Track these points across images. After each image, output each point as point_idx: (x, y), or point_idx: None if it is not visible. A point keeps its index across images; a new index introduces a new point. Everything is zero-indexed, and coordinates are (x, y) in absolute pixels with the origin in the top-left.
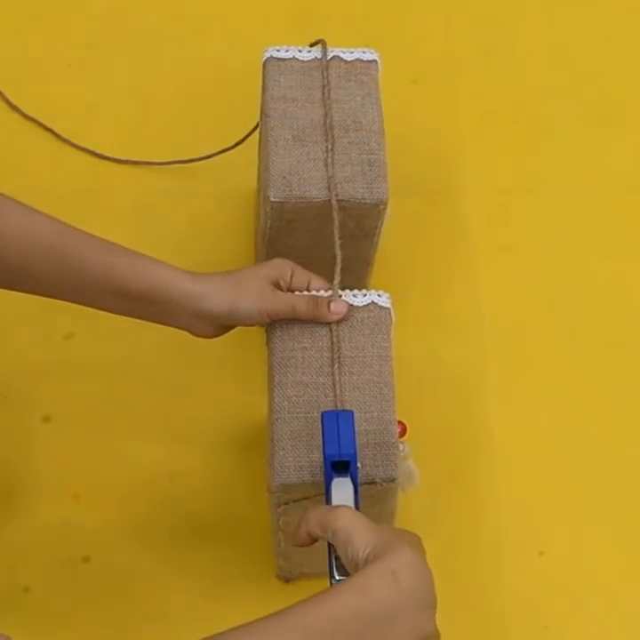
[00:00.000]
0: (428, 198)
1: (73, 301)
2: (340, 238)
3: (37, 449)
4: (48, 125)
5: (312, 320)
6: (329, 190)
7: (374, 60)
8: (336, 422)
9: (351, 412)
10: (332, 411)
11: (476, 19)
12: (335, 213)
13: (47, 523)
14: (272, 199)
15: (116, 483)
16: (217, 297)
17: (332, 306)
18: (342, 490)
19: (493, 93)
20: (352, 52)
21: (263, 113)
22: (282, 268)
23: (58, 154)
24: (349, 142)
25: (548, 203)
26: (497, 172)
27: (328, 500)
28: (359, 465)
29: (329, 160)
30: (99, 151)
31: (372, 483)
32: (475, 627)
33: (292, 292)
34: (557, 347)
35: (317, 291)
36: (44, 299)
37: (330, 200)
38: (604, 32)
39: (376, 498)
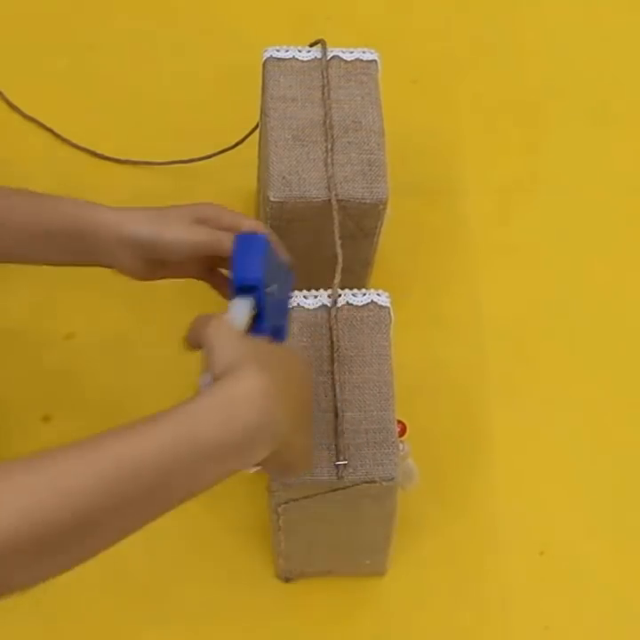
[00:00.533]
0: (428, 198)
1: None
2: (340, 238)
3: (37, 448)
4: (48, 125)
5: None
6: (329, 190)
7: (374, 60)
8: (248, 246)
9: (264, 236)
10: (246, 234)
11: (476, 19)
12: (335, 213)
13: None
14: (272, 199)
15: None
16: (140, 223)
17: (246, 222)
18: (237, 311)
19: (493, 93)
20: (352, 52)
21: (263, 113)
22: (209, 207)
23: (58, 154)
24: (349, 142)
25: (548, 203)
26: (497, 172)
27: None
28: (269, 290)
29: (329, 160)
30: (99, 151)
31: (372, 482)
32: (475, 626)
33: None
34: (557, 347)
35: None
36: (44, 299)
37: (330, 200)
38: (604, 32)
39: (376, 497)
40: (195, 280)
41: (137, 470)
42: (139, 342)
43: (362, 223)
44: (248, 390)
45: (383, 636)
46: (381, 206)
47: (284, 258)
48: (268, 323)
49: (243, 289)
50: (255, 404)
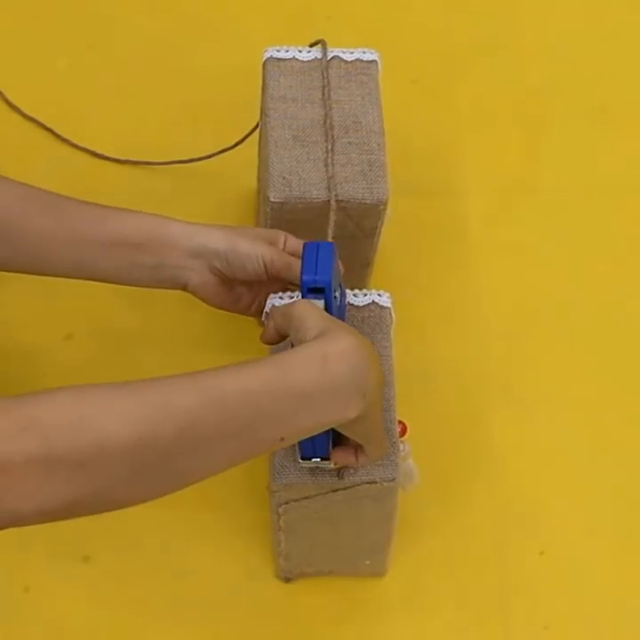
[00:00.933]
0: (428, 198)
1: (71, 273)
2: (335, 238)
3: None
4: (48, 125)
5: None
6: (329, 191)
7: (374, 60)
8: (316, 252)
9: (332, 244)
10: (314, 241)
11: (476, 19)
12: (332, 214)
13: (47, 523)
14: (272, 199)
15: None
16: (213, 234)
17: None
18: None
19: (493, 93)
20: (352, 53)
21: (263, 113)
22: (276, 233)
23: (58, 154)
24: (349, 142)
25: (548, 203)
26: (497, 172)
27: None
28: (336, 296)
29: (329, 160)
30: (99, 151)
31: (373, 482)
32: (475, 626)
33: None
34: (558, 347)
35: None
36: (44, 299)
37: (330, 200)
38: (605, 32)
39: (376, 497)
40: None
41: (239, 402)
42: (139, 342)
43: (362, 223)
44: (343, 347)
45: (383, 636)
46: (382, 206)
47: (341, 272)
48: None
49: (312, 291)
50: (350, 360)
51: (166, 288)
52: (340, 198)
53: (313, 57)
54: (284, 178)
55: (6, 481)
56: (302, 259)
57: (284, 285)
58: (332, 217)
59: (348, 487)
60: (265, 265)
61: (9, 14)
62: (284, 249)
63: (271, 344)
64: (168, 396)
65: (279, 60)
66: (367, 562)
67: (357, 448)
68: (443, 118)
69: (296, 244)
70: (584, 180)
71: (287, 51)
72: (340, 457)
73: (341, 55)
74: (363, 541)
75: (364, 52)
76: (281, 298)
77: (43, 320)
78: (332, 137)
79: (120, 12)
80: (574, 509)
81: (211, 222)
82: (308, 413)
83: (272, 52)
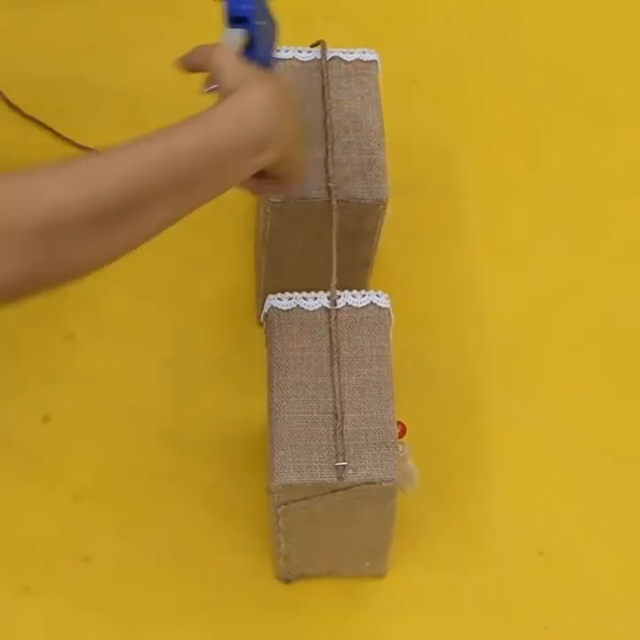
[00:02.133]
0: (428, 198)
1: None
2: (337, 239)
3: (37, 449)
4: (48, 125)
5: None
6: (329, 191)
7: (374, 61)
8: None
9: None
10: None
11: (476, 18)
12: (334, 214)
13: (47, 523)
14: (272, 199)
15: (115, 483)
16: None
17: None
18: (229, 40)
19: (493, 93)
20: (352, 53)
21: None
22: None
23: (58, 154)
24: (349, 142)
25: (548, 203)
26: (497, 172)
27: None
28: (259, 24)
29: (329, 160)
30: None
31: (372, 483)
32: (474, 627)
33: None
34: (557, 347)
35: None
36: (44, 299)
37: (330, 200)
38: (605, 32)
39: (375, 498)
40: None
41: (171, 162)
42: (139, 343)
43: (362, 223)
44: (259, 97)
45: (383, 637)
46: (381, 206)
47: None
48: (258, 54)
49: (235, 20)
50: (266, 107)
51: None
52: (339, 198)
53: (313, 57)
54: None
55: None
56: None
57: None
58: (335, 217)
59: (347, 488)
60: None
61: (9, 14)
62: None
63: (182, 70)
64: (110, 163)
65: (279, 59)
66: (367, 563)
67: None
68: (443, 118)
69: None
70: (585, 179)
71: (287, 51)
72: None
73: (341, 55)
74: (362, 542)
75: (363, 53)
76: (280, 299)
77: (43, 320)
78: (332, 137)
79: (119, 13)
80: (574, 510)
81: (210, 222)
82: (233, 166)
83: None
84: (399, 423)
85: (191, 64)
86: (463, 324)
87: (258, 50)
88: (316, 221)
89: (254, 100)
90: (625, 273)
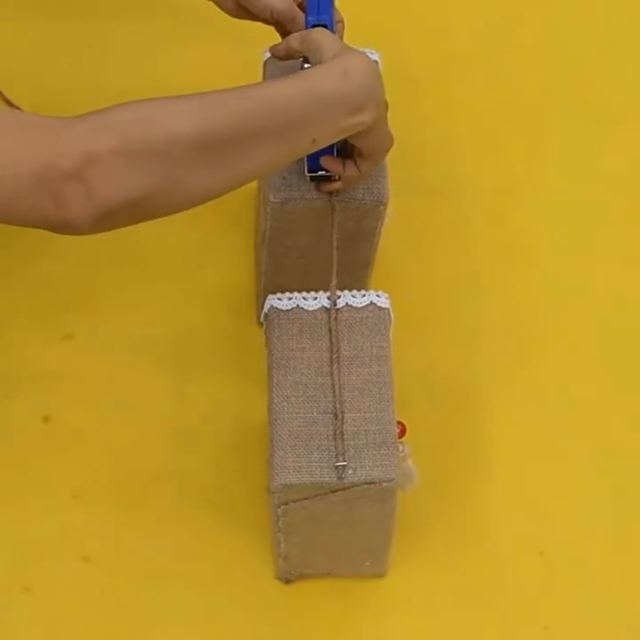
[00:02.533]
0: (428, 198)
1: None
2: (337, 240)
3: (37, 449)
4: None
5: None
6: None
7: (375, 61)
8: None
9: None
10: None
11: (476, 18)
12: (335, 214)
13: (47, 523)
14: (272, 200)
15: (115, 483)
16: None
17: None
18: None
19: (494, 93)
20: None
21: None
22: None
23: None
24: None
25: (549, 203)
26: (497, 172)
27: None
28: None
29: None
30: None
31: (372, 483)
32: (474, 627)
33: (302, 6)
34: (557, 347)
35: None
36: (44, 299)
37: (330, 201)
38: (605, 32)
39: (375, 498)
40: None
41: (278, 106)
42: (138, 343)
43: (362, 224)
44: (360, 63)
45: (383, 637)
46: (382, 207)
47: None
48: None
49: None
50: (366, 73)
51: None
52: (339, 198)
53: None
54: (283, 178)
55: (95, 173)
56: (307, 1)
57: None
58: (336, 217)
59: (347, 488)
60: (271, 12)
61: (9, 14)
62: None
63: (277, 57)
64: (222, 101)
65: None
66: (367, 563)
67: (351, 161)
68: (443, 118)
69: None
70: (584, 180)
71: None
72: (328, 163)
73: None
74: (362, 542)
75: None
76: (280, 299)
77: (43, 320)
78: None
79: (119, 13)
80: (574, 509)
81: (210, 221)
82: (334, 116)
83: None
84: (399, 423)
85: (287, 50)
86: (463, 324)
87: None
88: (316, 221)
89: (356, 61)
90: (626, 272)
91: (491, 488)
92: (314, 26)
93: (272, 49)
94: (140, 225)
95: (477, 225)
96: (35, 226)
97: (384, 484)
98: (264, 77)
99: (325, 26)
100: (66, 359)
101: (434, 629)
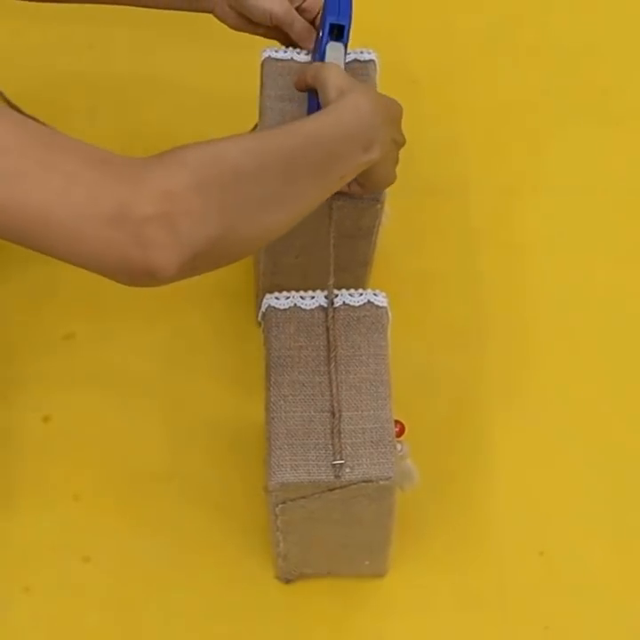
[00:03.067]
0: (428, 198)
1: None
2: (335, 238)
3: (37, 449)
4: (48, 125)
5: (298, 43)
6: None
7: (372, 60)
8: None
9: None
10: None
11: (476, 18)
12: (332, 213)
13: (47, 523)
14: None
15: (115, 483)
16: None
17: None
18: (334, 54)
19: (494, 93)
20: (349, 53)
21: (261, 112)
22: None
23: None
24: None
25: (549, 203)
26: (498, 172)
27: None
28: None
29: None
30: None
31: (369, 481)
32: (475, 626)
33: (301, 10)
34: (558, 347)
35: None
36: (44, 298)
37: (327, 199)
38: (605, 31)
39: (373, 496)
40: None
41: (320, 144)
42: (138, 343)
43: (359, 223)
44: (366, 98)
45: (383, 637)
46: (379, 205)
47: None
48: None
49: (335, 31)
50: (372, 106)
51: (196, 11)
52: (336, 197)
53: (311, 58)
54: None
55: (177, 211)
56: (325, 2)
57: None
58: (334, 216)
59: (345, 486)
60: (270, 17)
61: (9, 14)
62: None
63: (300, 90)
64: (273, 138)
65: (277, 60)
66: (366, 562)
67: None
68: (443, 118)
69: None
70: (585, 180)
71: (285, 51)
72: None
73: None
74: (361, 542)
75: (361, 52)
76: (277, 298)
77: (43, 320)
78: None
79: (119, 13)
80: (574, 509)
81: None
82: (355, 153)
83: (270, 53)
84: (398, 422)
85: (303, 83)
86: (462, 324)
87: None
88: (313, 220)
89: (364, 100)
90: (626, 272)
91: (491, 488)
92: (331, 26)
93: (296, 83)
94: None
95: (477, 225)
96: (114, 272)
97: (381, 483)
98: (262, 77)
99: (343, 27)
100: (66, 359)
101: (434, 629)
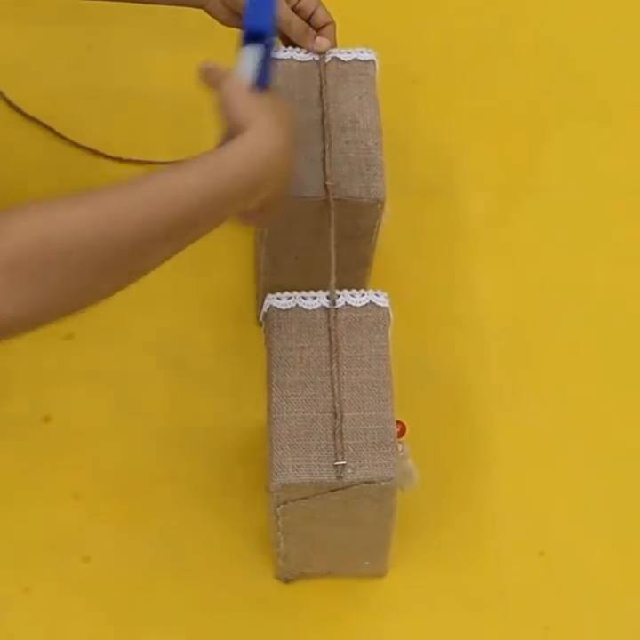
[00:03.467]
0: (428, 198)
1: None
2: (336, 238)
3: (37, 449)
4: (48, 124)
5: (296, 42)
6: (326, 189)
7: (372, 60)
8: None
9: None
10: None
11: (476, 18)
12: (332, 213)
13: (47, 523)
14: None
15: (115, 483)
16: None
17: (317, 39)
18: (248, 59)
19: (494, 93)
20: (349, 53)
21: None
22: None
23: (58, 153)
24: (347, 142)
25: (549, 203)
26: (497, 172)
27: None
28: (272, 41)
29: (326, 159)
30: (100, 150)
31: (371, 482)
32: (474, 627)
33: (296, 10)
34: (557, 347)
35: (321, 23)
36: None
37: (327, 200)
38: (606, 31)
39: (375, 497)
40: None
41: (175, 200)
42: (138, 343)
43: (359, 223)
44: (265, 142)
45: (383, 636)
46: (379, 205)
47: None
48: (266, 73)
49: (252, 37)
50: (269, 153)
51: (187, 5)
52: (337, 197)
53: (310, 57)
54: None
55: None
56: (246, 7)
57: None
58: (333, 216)
59: (346, 487)
60: (280, 16)
61: (9, 14)
62: (297, 2)
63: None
64: (118, 210)
65: (277, 59)
66: (367, 562)
67: None
68: (443, 118)
69: (310, 2)
70: (584, 179)
71: (285, 51)
72: None
73: (339, 55)
74: (362, 542)
75: (361, 52)
76: (279, 299)
77: None
78: (330, 136)
79: (119, 13)
80: (574, 509)
81: None
82: (233, 207)
83: None
84: (399, 422)
85: (204, 81)
86: (463, 324)
87: (266, 68)
88: (314, 220)
89: (261, 146)
90: (626, 272)
91: (491, 487)
92: (249, 34)
93: (199, 70)
94: None
95: (477, 225)
96: None
97: (383, 484)
98: None
99: (261, 34)
100: (66, 359)
101: (434, 629)
